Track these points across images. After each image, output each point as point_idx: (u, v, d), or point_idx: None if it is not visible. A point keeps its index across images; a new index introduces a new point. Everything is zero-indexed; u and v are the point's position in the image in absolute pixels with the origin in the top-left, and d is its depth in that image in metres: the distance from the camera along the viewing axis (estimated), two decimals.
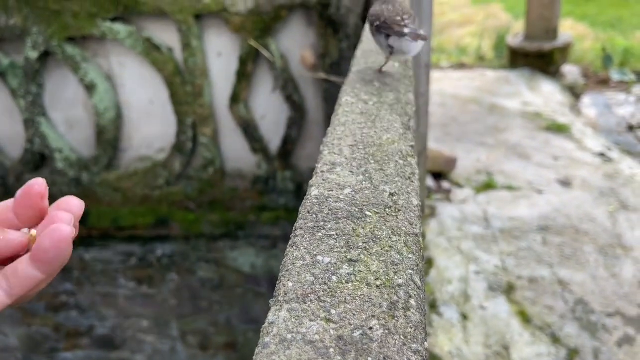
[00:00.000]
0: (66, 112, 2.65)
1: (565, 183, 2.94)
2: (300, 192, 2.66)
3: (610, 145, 3.47)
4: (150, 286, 2.90)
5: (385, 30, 0.98)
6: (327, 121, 2.58)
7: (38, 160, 2.69)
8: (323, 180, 0.67)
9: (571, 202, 2.76)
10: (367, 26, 1.24)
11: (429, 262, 2.30)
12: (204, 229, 2.71)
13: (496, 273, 2.30)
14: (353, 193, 0.64)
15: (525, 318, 2.07)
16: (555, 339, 1.99)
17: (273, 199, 2.67)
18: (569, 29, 6.67)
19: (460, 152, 3.28)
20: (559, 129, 3.57)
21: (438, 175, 2.98)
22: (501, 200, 2.79)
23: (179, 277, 2.86)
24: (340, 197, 0.63)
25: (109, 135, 2.58)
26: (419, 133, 2.47)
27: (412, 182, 0.69)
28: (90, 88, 2.49)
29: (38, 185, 0.44)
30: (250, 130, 2.54)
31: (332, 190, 0.64)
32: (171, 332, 2.98)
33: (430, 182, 2.91)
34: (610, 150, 3.38)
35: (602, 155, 3.27)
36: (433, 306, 2.09)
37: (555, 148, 3.34)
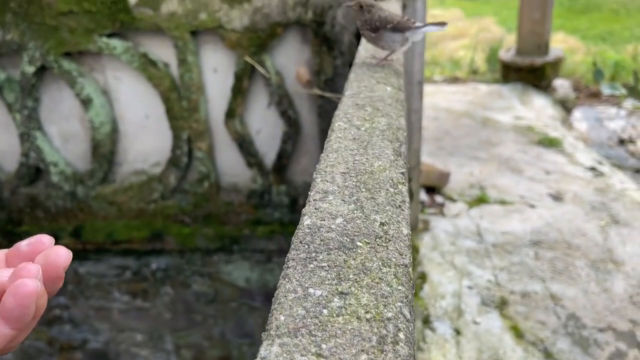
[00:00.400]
0: (62, 126, 2.66)
1: (557, 197, 2.97)
2: (295, 206, 2.68)
3: (602, 159, 3.51)
4: (144, 300, 2.90)
5: (399, 29, 1.26)
6: (322, 136, 2.61)
7: (33, 174, 2.70)
8: (315, 209, 0.69)
9: (563, 216, 2.79)
10: (367, 32, 1.30)
11: (423, 277, 2.32)
12: (199, 242, 2.71)
13: (489, 288, 2.32)
14: (345, 222, 0.66)
15: (517, 333, 2.09)
16: (547, 354, 2.00)
17: (268, 213, 2.68)
18: (560, 43, 6.75)
19: (453, 166, 3.31)
20: (551, 143, 3.61)
21: (432, 189, 3.01)
22: (494, 215, 2.82)
23: (173, 290, 2.86)
24: (332, 226, 0.65)
25: (105, 149, 2.60)
26: (413, 149, 2.50)
27: (403, 210, 0.71)
28: (86, 102, 2.51)
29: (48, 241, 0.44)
30: (245, 145, 2.56)
31: (324, 220, 0.66)
32: (165, 345, 2.97)
33: (423, 196, 2.93)
34: (602, 164, 3.42)
35: (593, 169, 3.31)
36: (426, 321, 2.10)
37: (547, 162, 3.37)
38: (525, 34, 4.67)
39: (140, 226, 2.73)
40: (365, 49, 1.44)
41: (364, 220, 0.67)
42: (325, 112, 2.45)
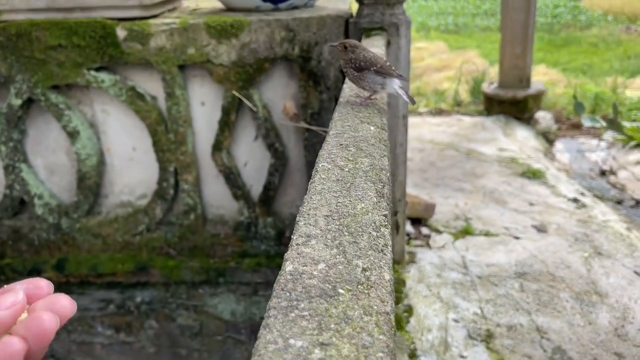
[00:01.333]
0: (47, 158, 2.66)
1: (541, 229, 3.00)
2: (281, 238, 2.67)
3: (584, 191, 3.57)
4: (128, 334, 2.85)
5: (382, 73, 1.30)
6: (309, 168, 2.63)
7: (17, 206, 2.68)
8: (298, 254, 0.70)
9: (547, 248, 2.82)
10: (351, 71, 1.33)
11: (409, 310, 2.32)
12: (184, 275, 2.69)
13: (475, 321, 2.32)
14: (327, 268, 0.67)
15: None
16: None
17: (254, 245, 2.68)
18: (542, 75, 6.92)
19: (438, 198, 3.34)
20: (534, 175, 3.66)
21: (418, 221, 3.03)
22: (479, 246, 2.84)
23: (158, 324, 2.82)
24: (314, 272, 0.66)
25: (90, 181, 2.59)
26: (398, 181, 2.52)
27: (385, 254, 0.72)
28: (73, 135, 2.51)
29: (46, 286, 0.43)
30: (232, 177, 2.57)
31: (306, 266, 0.67)
32: None
33: (409, 227, 2.95)
34: (584, 195, 3.48)
35: (575, 200, 3.36)
36: (413, 355, 2.09)
37: (531, 194, 3.42)
38: (507, 68, 4.79)
39: (125, 259, 2.71)
40: (350, 87, 1.48)
41: (346, 265, 0.68)
42: (312, 145, 2.48)
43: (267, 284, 2.65)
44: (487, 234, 2.95)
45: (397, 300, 2.38)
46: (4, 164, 2.60)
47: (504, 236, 2.94)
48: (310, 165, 2.50)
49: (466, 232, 2.95)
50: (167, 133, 2.50)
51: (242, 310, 2.74)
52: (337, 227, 0.77)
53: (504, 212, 3.19)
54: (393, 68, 1.32)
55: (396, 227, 2.58)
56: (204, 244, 2.69)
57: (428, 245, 2.83)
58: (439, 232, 2.96)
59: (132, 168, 2.64)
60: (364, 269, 0.68)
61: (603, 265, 2.69)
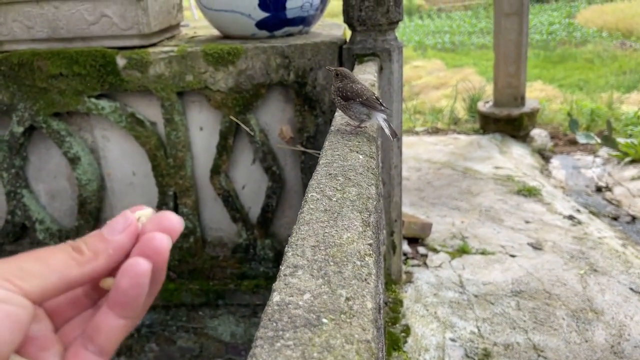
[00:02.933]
0: (49, 184, 2.70)
1: (537, 247, 3.03)
2: (279, 259, 2.70)
3: (579, 207, 3.60)
4: (128, 357, 2.87)
5: (368, 105, 1.36)
6: (305, 190, 2.67)
7: (18, 231, 2.72)
8: (285, 284, 0.73)
9: (543, 265, 2.85)
10: (338, 99, 1.39)
11: (406, 330, 2.34)
12: (184, 298, 2.72)
13: (472, 340, 2.34)
14: (312, 298, 0.70)
15: None
16: None
17: (253, 267, 2.71)
18: (538, 91, 7.00)
19: (435, 217, 3.37)
20: (530, 192, 3.70)
21: (414, 240, 3.06)
22: (475, 265, 2.86)
23: (158, 347, 2.84)
24: (300, 303, 0.69)
25: (91, 206, 2.63)
26: (394, 202, 2.56)
27: (368, 283, 0.76)
28: (73, 161, 2.56)
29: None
30: (230, 200, 2.61)
31: (293, 296, 0.71)
32: None
33: (406, 247, 2.98)
34: (579, 212, 3.51)
35: (571, 217, 3.39)
36: None
37: (527, 211, 3.45)
38: (501, 87, 4.86)
39: None
40: (341, 116, 1.52)
41: (331, 295, 0.71)
42: (308, 168, 2.52)
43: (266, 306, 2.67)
44: (483, 252, 2.98)
45: (395, 321, 2.40)
46: (6, 190, 2.64)
47: (500, 254, 2.96)
48: (306, 187, 2.54)
49: (463, 250, 2.98)
50: (166, 158, 2.55)
51: (242, 332, 2.76)
52: (323, 257, 0.81)
53: (500, 230, 3.22)
54: (379, 101, 1.38)
55: (393, 247, 2.61)
56: (203, 267, 2.72)
57: (425, 265, 2.86)
58: (435, 251, 2.99)
59: (132, 192, 2.69)
60: (347, 298, 0.71)
61: (599, 282, 2.71)
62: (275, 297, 0.71)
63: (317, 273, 0.76)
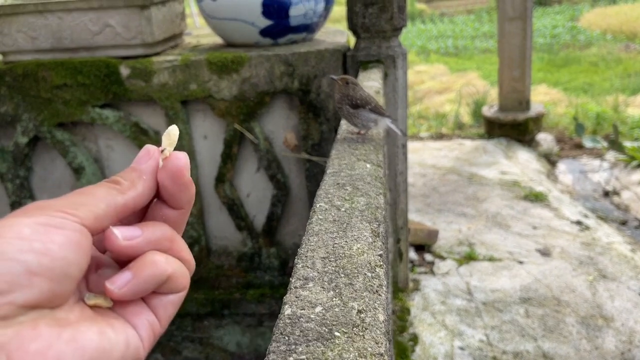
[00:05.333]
0: (53, 194, 2.69)
1: (545, 252, 3.00)
2: (285, 268, 2.69)
3: (587, 212, 3.57)
4: None
5: (375, 112, 1.38)
6: (310, 198, 2.65)
7: None
8: (296, 297, 0.72)
9: (551, 272, 2.82)
10: (346, 107, 1.38)
11: (414, 339, 2.31)
12: (189, 307, 2.70)
13: (481, 348, 2.31)
14: (324, 311, 0.69)
15: None
16: None
17: (258, 276, 2.69)
18: (543, 95, 6.98)
19: (441, 223, 3.35)
20: (537, 198, 3.68)
21: (421, 247, 3.03)
22: (483, 272, 2.84)
23: (163, 357, 2.82)
24: (312, 316, 0.68)
25: None
26: (400, 209, 2.54)
27: (380, 295, 0.75)
28: (78, 171, 2.55)
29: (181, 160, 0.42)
30: (235, 208, 2.60)
31: (304, 309, 0.69)
32: None
33: (413, 254, 2.96)
34: (587, 217, 3.48)
35: (579, 223, 3.36)
36: None
37: (534, 217, 3.43)
38: (506, 92, 4.84)
39: None
40: (347, 123, 1.51)
41: (342, 308, 0.70)
42: (313, 175, 2.51)
43: (272, 315, 2.66)
44: (491, 259, 2.95)
45: (402, 329, 2.37)
46: (11, 201, 2.64)
47: (507, 261, 2.94)
48: (311, 195, 2.53)
49: (470, 257, 2.96)
50: None
51: (248, 342, 2.74)
52: (333, 268, 0.79)
53: (507, 237, 3.19)
54: (383, 108, 1.41)
55: (399, 255, 2.59)
56: (208, 276, 2.70)
57: (432, 272, 2.83)
58: (442, 258, 2.97)
59: None
60: (359, 311, 0.70)
61: (608, 288, 2.68)
62: (287, 310, 0.69)
63: (328, 285, 0.75)
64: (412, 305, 2.52)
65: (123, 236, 0.39)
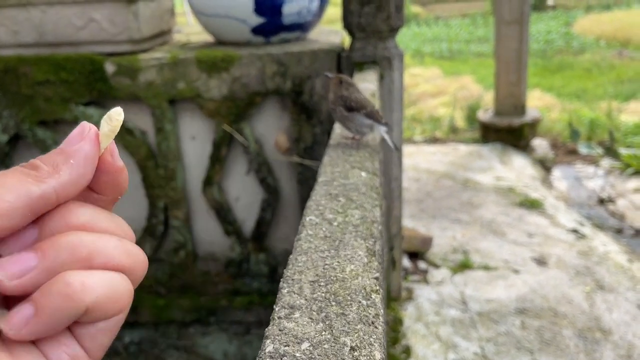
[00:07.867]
0: None
1: (541, 262, 2.93)
2: (274, 275, 2.60)
3: (583, 220, 3.51)
4: None
5: (371, 117, 1.29)
6: (302, 203, 2.56)
7: None
8: (280, 330, 0.63)
9: (547, 282, 2.75)
10: (340, 109, 1.29)
11: (407, 351, 2.23)
12: (174, 314, 2.60)
13: None
14: (311, 348, 0.60)
15: None
16: None
17: (246, 282, 2.60)
18: (537, 100, 6.93)
19: (435, 230, 3.27)
20: (532, 205, 3.61)
21: (415, 255, 2.96)
22: (478, 281, 2.76)
23: None
24: (297, 354, 0.59)
25: None
26: (394, 216, 2.46)
27: (376, 327, 0.66)
28: None
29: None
30: (223, 213, 2.51)
31: (288, 345, 0.60)
32: None
33: (406, 262, 2.88)
34: (583, 225, 3.42)
35: (575, 231, 3.30)
36: None
37: (529, 224, 3.36)
38: (502, 96, 4.78)
39: None
40: (341, 127, 1.43)
41: (333, 344, 0.61)
42: (305, 179, 2.42)
43: (260, 323, 2.57)
44: (486, 267, 2.88)
45: (395, 341, 2.29)
46: None
47: (503, 270, 2.86)
48: (303, 200, 2.44)
49: (465, 265, 2.88)
50: (156, 168, 2.44)
51: (235, 350, 2.65)
52: (323, 295, 0.71)
53: (502, 244, 3.12)
54: (380, 114, 1.31)
55: (392, 263, 2.51)
56: (194, 282, 2.60)
57: (426, 281, 2.75)
58: (436, 266, 2.89)
59: (120, 204, 2.56)
60: (352, 348, 0.61)
61: (605, 299, 2.62)
62: (268, 347, 0.60)
63: (317, 315, 0.66)
64: (405, 316, 2.44)
65: (9, 274, 0.29)
